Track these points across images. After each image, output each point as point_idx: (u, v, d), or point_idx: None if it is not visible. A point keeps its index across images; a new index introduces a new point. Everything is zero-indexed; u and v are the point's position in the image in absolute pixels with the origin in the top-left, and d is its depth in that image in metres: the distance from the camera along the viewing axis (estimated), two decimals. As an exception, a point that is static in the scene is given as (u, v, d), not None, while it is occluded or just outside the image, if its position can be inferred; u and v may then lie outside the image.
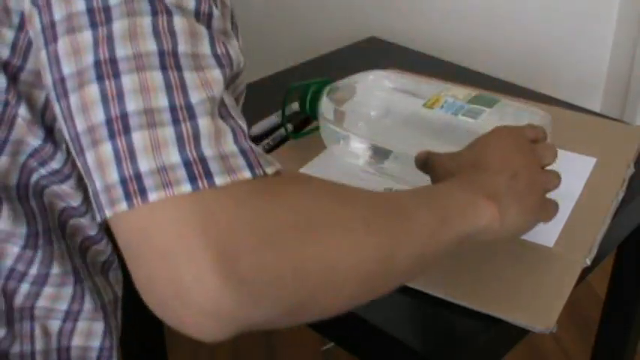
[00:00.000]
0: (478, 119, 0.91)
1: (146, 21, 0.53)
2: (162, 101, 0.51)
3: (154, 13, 0.53)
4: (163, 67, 0.52)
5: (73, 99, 0.53)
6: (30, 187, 0.63)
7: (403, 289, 0.82)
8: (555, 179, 0.78)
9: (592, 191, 0.94)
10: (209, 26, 0.55)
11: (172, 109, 0.51)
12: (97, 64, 0.52)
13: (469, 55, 1.52)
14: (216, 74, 0.53)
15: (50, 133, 0.62)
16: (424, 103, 0.94)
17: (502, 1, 1.87)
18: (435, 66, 1.27)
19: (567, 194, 0.87)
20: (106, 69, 0.52)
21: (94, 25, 0.52)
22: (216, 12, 0.56)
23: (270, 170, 0.53)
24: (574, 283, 0.82)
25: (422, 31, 1.73)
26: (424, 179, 0.94)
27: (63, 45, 0.53)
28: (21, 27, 0.57)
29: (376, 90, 1.00)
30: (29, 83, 0.60)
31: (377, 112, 0.97)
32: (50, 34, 0.54)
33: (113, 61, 0.52)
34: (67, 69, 0.53)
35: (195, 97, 0.52)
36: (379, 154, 0.96)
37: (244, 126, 0.55)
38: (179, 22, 0.53)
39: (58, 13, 0.53)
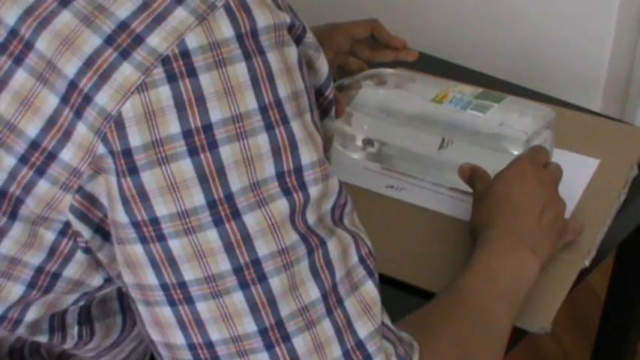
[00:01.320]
0: (487, 114, 0.91)
1: (303, 266, 0.51)
2: (336, 352, 0.52)
3: (310, 253, 0.51)
4: (329, 312, 0.52)
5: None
6: (25, 348, 0.59)
7: (403, 288, 0.82)
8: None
9: (594, 193, 0.94)
10: (342, 218, 0.55)
11: (346, 354, 0.52)
12: (264, 331, 0.50)
13: (469, 56, 1.52)
14: (370, 288, 0.54)
15: (62, 331, 0.58)
16: (432, 98, 0.94)
17: (502, 2, 1.87)
18: (435, 66, 1.27)
19: (569, 195, 0.87)
20: (274, 335, 0.50)
21: (244, 286, 0.50)
22: (348, 200, 0.56)
23: (416, 357, 0.57)
24: (571, 284, 0.82)
25: (422, 31, 1.73)
26: (430, 175, 0.94)
27: (206, 307, 0.50)
28: (63, 233, 0.52)
29: (382, 87, 1.00)
30: (61, 291, 0.55)
31: (383, 110, 0.97)
32: (178, 295, 0.50)
33: (280, 324, 0.50)
34: (217, 335, 0.50)
35: (363, 332, 0.53)
36: (385, 151, 0.96)
37: (391, 324, 0.58)
38: (333, 248, 0.52)
39: (190, 274, 0.49)
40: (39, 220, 0.51)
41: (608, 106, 1.97)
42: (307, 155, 0.50)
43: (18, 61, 0.48)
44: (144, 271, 0.50)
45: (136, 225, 0.49)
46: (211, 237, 0.48)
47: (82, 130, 0.47)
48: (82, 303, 0.57)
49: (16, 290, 0.53)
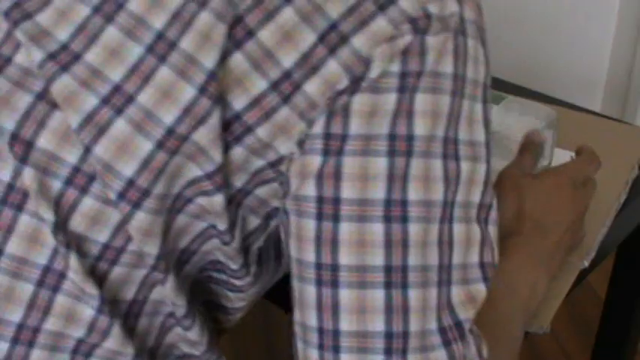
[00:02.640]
0: None
1: (434, 228, 0.55)
2: (433, 325, 0.55)
3: (441, 220, 0.55)
4: (440, 285, 0.55)
5: (346, 292, 0.54)
6: (147, 304, 0.62)
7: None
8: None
9: (594, 193, 0.94)
10: (487, 221, 0.58)
11: (442, 330, 0.55)
12: (388, 268, 0.54)
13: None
14: (481, 289, 0.57)
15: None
16: None
17: (502, 2, 1.87)
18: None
19: (568, 195, 0.86)
20: (396, 277, 0.54)
21: (387, 220, 0.54)
22: (494, 202, 0.59)
23: (485, 352, 0.59)
24: (570, 284, 0.82)
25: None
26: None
27: (346, 228, 0.54)
28: (272, 165, 0.57)
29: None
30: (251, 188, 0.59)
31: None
32: (328, 210, 0.54)
33: (404, 270, 0.54)
34: (345, 260, 0.54)
35: (463, 315, 0.56)
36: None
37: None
38: (457, 231, 0.56)
39: (347, 192, 0.54)
40: (262, 148, 0.56)
41: (608, 106, 1.98)
42: (472, 131, 0.56)
43: (289, 0, 0.55)
44: (308, 182, 0.55)
45: (325, 137, 0.55)
46: (380, 163, 0.54)
47: (331, 65, 0.54)
48: (260, 244, 0.63)
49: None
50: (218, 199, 0.57)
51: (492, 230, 0.59)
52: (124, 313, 0.60)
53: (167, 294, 0.60)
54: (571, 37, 1.88)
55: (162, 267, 0.58)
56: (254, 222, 0.61)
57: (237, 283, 0.64)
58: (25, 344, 0.57)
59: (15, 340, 0.56)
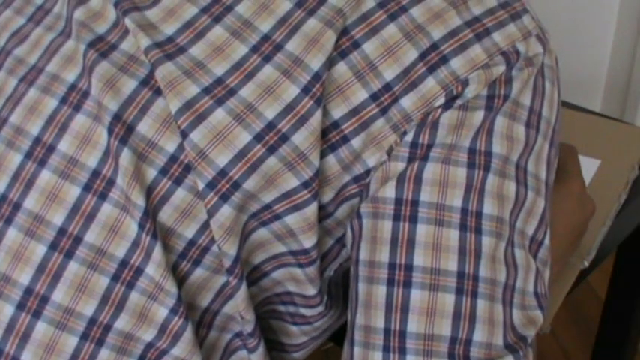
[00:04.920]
0: None
1: (502, 245, 0.56)
2: (499, 340, 0.55)
3: (508, 241, 0.56)
4: (504, 302, 0.56)
5: (418, 293, 0.55)
6: (218, 316, 0.62)
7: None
8: None
9: (594, 194, 0.94)
10: (535, 256, 0.59)
11: (508, 346, 0.56)
12: (461, 275, 0.55)
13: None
14: (538, 314, 0.58)
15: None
16: None
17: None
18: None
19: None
20: (467, 284, 0.56)
21: (463, 228, 0.56)
22: (546, 241, 0.60)
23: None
24: (570, 285, 0.82)
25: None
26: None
27: (424, 230, 0.56)
28: (358, 179, 0.58)
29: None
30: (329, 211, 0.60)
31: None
32: (406, 212, 0.56)
33: (475, 279, 0.56)
34: (420, 260, 0.55)
35: (526, 332, 0.57)
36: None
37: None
38: (519, 255, 0.57)
39: (427, 196, 0.55)
40: (352, 161, 0.57)
41: (608, 106, 1.98)
42: (538, 167, 0.59)
43: (392, 17, 0.57)
44: (388, 185, 0.56)
45: (412, 145, 0.57)
46: (460, 173, 0.55)
47: (430, 83, 0.56)
48: (331, 273, 0.63)
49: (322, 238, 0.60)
50: (312, 209, 0.57)
51: (541, 267, 0.59)
52: (197, 321, 0.59)
53: (238, 304, 0.59)
54: (571, 37, 1.88)
55: (238, 271, 0.58)
56: (328, 243, 0.61)
57: (308, 313, 0.64)
58: (95, 342, 0.56)
59: (85, 336, 0.56)
